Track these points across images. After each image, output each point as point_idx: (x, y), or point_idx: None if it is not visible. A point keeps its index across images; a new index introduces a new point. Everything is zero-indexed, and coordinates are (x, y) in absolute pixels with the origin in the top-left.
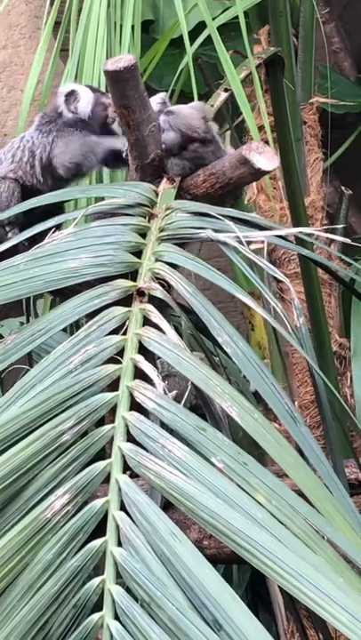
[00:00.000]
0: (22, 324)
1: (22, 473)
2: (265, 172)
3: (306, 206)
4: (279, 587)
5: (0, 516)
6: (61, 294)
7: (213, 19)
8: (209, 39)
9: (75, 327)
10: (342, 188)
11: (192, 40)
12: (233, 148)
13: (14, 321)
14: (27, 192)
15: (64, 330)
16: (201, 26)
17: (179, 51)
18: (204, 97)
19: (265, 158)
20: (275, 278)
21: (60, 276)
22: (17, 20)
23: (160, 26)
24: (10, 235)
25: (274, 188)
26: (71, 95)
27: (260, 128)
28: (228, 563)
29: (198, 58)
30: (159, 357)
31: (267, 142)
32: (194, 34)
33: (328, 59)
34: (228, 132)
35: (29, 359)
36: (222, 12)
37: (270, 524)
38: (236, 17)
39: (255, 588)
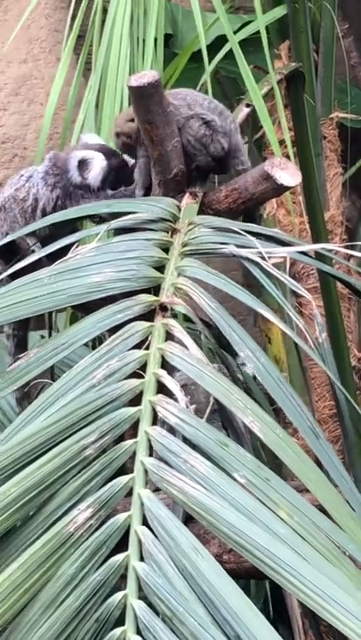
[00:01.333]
0: (43, 337)
1: (45, 487)
2: (287, 188)
3: (325, 221)
4: (298, 600)
5: (23, 529)
6: (84, 309)
7: (234, 33)
8: (228, 53)
9: (97, 341)
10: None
11: (211, 54)
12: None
13: (34, 334)
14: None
15: (85, 344)
16: (220, 40)
17: (197, 65)
18: None
19: (288, 174)
20: (294, 293)
21: (83, 291)
22: (37, 34)
23: (179, 40)
24: (33, 248)
25: (293, 203)
26: (83, 163)
27: (281, 142)
28: (248, 577)
29: (217, 72)
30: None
31: (287, 157)
32: (213, 48)
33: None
34: (247, 146)
35: (52, 373)
36: (241, 27)
37: (292, 540)
38: (256, 32)
39: (273, 602)
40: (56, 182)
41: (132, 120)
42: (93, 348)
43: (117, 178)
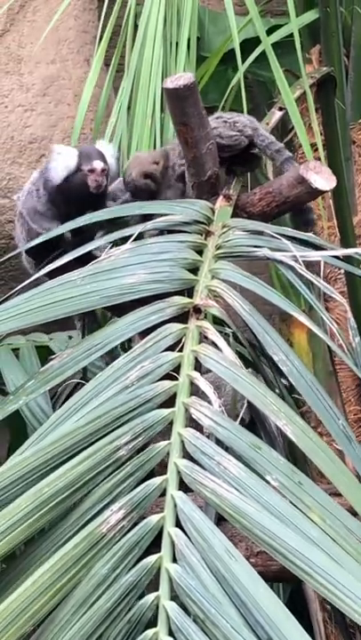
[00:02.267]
0: (70, 337)
1: (78, 487)
2: (322, 192)
3: (354, 225)
4: (320, 605)
5: (55, 529)
6: (117, 310)
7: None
8: (256, 58)
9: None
10: None
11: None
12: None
13: (63, 334)
14: None
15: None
16: (247, 44)
17: (225, 67)
18: (252, 114)
19: (322, 178)
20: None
21: (116, 292)
22: (65, 35)
23: (205, 42)
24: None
25: (323, 207)
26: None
27: (311, 146)
28: (275, 581)
29: (245, 76)
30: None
31: (318, 160)
32: (240, 52)
33: None
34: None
35: (84, 374)
36: (269, 31)
37: (325, 543)
38: (286, 36)
39: (293, 607)
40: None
41: (157, 163)
42: (124, 351)
43: (83, 188)
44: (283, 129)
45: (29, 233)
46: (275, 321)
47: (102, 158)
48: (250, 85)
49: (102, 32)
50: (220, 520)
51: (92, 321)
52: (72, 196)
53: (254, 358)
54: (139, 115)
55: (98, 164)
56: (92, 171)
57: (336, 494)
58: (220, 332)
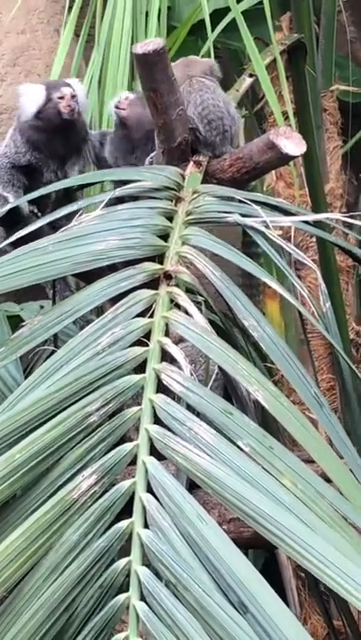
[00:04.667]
0: (42, 307)
1: (49, 454)
2: (292, 157)
3: (325, 193)
4: (293, 572)
5: (27, 496)
6: (87, 278)
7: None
8: (226, 27)
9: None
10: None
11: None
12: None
13: (34, 304)
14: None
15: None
16: (216, 14)
17: (195, 37)
18: (222, 83)
19: (292, 143)
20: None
21: (87, 259)
22: (35, 5)
23: (176, 12)
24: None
25: (295, 175)
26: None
27: (282, 115)
28: (247, 547)
29: (216, 46)
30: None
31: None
32: (210, 22)
33: (345, 48)
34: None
35: (55, 341)
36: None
37: (296, 508)
38: (257, 3)
39: (268, 575)
40: (13, 132)
41: None
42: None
43: (57, 117)
44: (253, 97)
45: None
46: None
47: (69, 85)
48: (220, 55)
49: (72, 2)
50: (192, 487)
51: (63, 289)
52: (48, 129)
53: (226, 326)
54: (109, 85)
55: (66, 90)
56: (61, 97)
57: (309, 461)
58: (193, 301)
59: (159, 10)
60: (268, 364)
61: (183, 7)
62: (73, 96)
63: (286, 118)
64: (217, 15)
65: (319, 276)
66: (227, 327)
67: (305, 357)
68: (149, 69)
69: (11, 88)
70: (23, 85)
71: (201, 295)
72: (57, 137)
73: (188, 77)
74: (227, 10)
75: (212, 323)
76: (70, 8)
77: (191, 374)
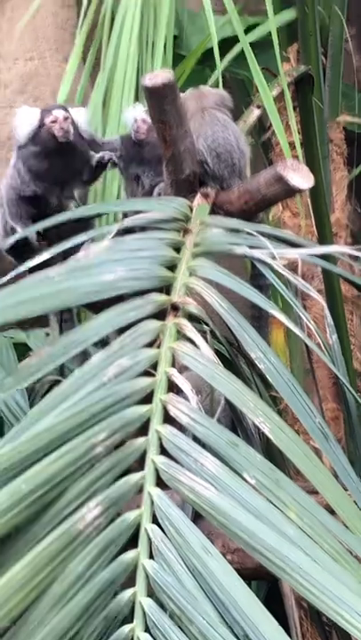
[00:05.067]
0: (48, 334)
1: (55, 484)
2: (300, 190)
3: (331, 223)
4: (296, 603)
5: (32, 526)
6: (95, 308)
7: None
8: (234, 56)
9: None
10: None
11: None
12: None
13: (40, 332)
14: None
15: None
16: (224, 43)
17: (203, 66)
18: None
19: (300, 176)
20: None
21: (94, 289)
22: (44, 32)
23: (184, 41)
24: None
25: (300, 205)
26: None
27: (289, 145)
28: (251, 578)
29: (223, 75)
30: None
31: (296, 158)
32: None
33: (350, 77)
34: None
35: (61, 370)
36: (247, 30)
37: (301, 541)
38: (265, 34)
39: (270, 605)
40: (16, 162)
41: None
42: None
43: (52, 142)
44: (260, 127)
45: (5, 228)
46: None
47: (63, 108)
48: (228, 84)
49: (80, 24)
50: (197, 517)
51: (67, 319)
52: (46, 153)
53: (232, 356)
54: (113, 111)
55: (59, 112)
56: (54, 121)
57: (313, 492)
58: (198, 330)
59: (165, 39)
60: (274, 393)
61: (190, 36)
62: (66, 118)
63: (293, 148)
64: (225, 44)
65: (326, 308)
66: (232, 356)
67: (310, 386)
68: (158, 101)
69: None
70: (19, 109)
71: (207, 324)
72: (57, 162)
73: (201, 109)
74: (235, 38)
75: (216, 351)
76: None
77: (198, 405)
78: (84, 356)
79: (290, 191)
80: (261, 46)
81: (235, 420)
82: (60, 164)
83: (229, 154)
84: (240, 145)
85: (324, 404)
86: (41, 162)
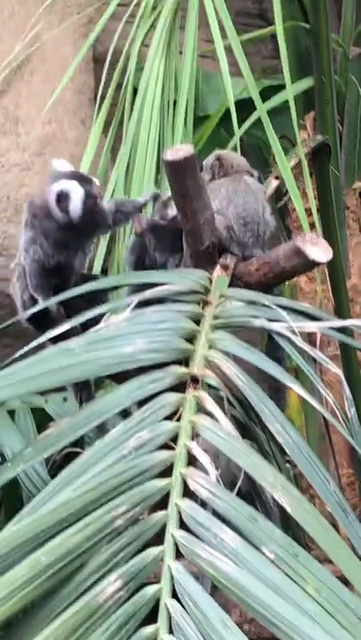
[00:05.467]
0: (65, 399)
1: (75, 557)
2: (318, 264)
3: (347, 289)
4: None
5: (52, 599)
6: (115, 378)
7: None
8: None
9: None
10: None
11: (229, 117)
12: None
13: (57, 396)
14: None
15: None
16: (241, 104)
17: (218, 127)
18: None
19: (319, 250)
20: (313, 359)
21: (115, 361)
22: (62, 96)
23: (199, 102)
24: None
25: (317, 271)
26: (61, 195)
27: (305, 211)
28: None
29: (241, 138)
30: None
31: (312, 225)
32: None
33: None
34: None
35: (82, 442)
36: (263, 91)
37: (320, 616)
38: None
39: None
40: (35, 236)
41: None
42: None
43: (93, 208)
44: (277, 193)
45: (23, 299)
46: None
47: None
48: (244, 147)
49: (102, 94)
50: (215, 585)
51: (83, 388)
52: (80, 225)
53: (249, 424)
54: (136, 183)
55: (96, 180)
56: (94, 195)
57: (328, 561)
58: (216, 397)
59: (186, 102)
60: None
61: (207, 96)
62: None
63: (310, 215)
64: (242, 106)
65: (344, 381)
66: (248, 425)
67: (326, 451)
68: (179, 175)
69: (37, 177)
70: (61, 183)
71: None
72: (81, 230)
73: (234, 174)
74: (251, 99)
75: (233, 417)
76: (97, 99)
77: (217, 479)
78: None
79: (309, 264)
80: (278, 111)
81: (253, 493)
82: (84, 232)
83: (257, 225)
84: (266, 215)
85: (339, 470)
86: (73, 233)
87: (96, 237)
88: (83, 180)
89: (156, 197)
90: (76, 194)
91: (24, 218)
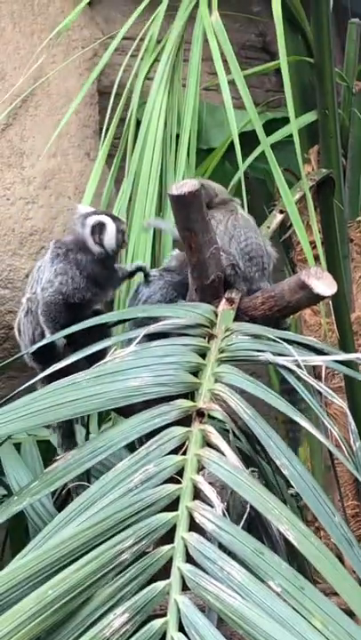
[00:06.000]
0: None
1: (81, 590)
2: (323, 297)
3: (351, 322)
4: None
5: (58, 633)
6: (121, 411)
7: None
8: (251, 151)
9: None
10: None
11: (234, 150)
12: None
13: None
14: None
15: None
16: (244, 135)
17: (222, 160)
18: (250, 211)
19: (323, 284)
20: (318, 392)
21: (121, 395)
22: (66, 129)
23: (203, 134)
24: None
25: (321, 304)
26: (97, 227)
27: (310, 244)
28: None
29: (245, 171)
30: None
31: (316, 258)
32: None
33: None
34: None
35: (87, 475)
36: (267, 124)
37: None
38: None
39: None
40: (67, 268)
41: None
42: (131, 450)
43: (122, 244)
44: (281, 225)
45: (34, 335)
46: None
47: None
48: (248, 181)
49: (106, 127)
50: (221, 619)
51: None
52: (105, 259)
53: (254, 457)
54: (137, 217)
55: (124, 219)
56: (123, 231)
57: (334, 593)
58: (221, 429)
59: (190, 134)
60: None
61: (210, 128)
62: None
63: (314, 247)
64: (244, 136)
65: (349, 415)
66: (253, 457)
67: (331, 482)
68: (185, 210)
69: (42, 210)
70: (96, 217)
71: (233, 431)
72: (111, 267)
73: (231, 210)
74: (255, 132)
75: (239, 448)
76: (101, 131)
77: (223, 513)
78: None
79: (313, 298)
80: (281, 144)
81: (259, 526)
82: (113, 270)
83: (261, 258)
84: (268, 249)
85: (344, 501)
86: (105, 269)
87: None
88: (113, 217)
89: (141, 269)
90: (111, 226)
91: (51, 253)
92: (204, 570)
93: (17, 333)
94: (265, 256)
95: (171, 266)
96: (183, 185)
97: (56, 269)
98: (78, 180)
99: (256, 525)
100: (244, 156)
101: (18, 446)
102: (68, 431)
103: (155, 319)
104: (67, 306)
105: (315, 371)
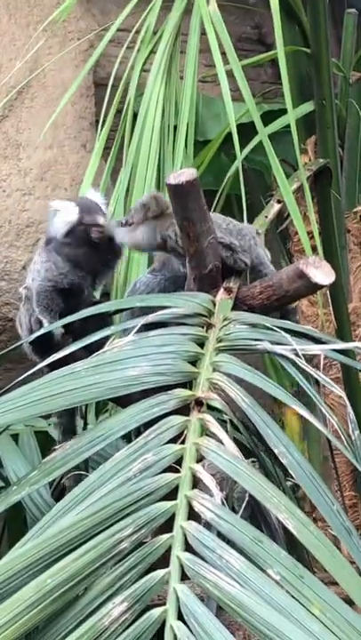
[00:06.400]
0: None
1: (80, 580)
2: (321, 286)
3: (348, 312)
4: None
5: (57, 622)
6: (119, 401)
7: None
8: (249, 142)
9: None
10: None
11: (231, 142)
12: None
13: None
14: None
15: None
16: (241, 127)
17: (218, 151)
18: (247, 202)
19: (321, 272)
20: (316, 381)
21: (120, 384)
22: (62, 121)
23: (199, 126)
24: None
25: (319, 294)
26: (52, 212)
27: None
28: None
29: (242, 162)
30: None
31: (314, 249)
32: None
33: None
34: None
35: (86, 465)
36: (264, 116)
37: (325, 637)
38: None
39: None
40: (49, 255)
41: None
42: (128, 441)
43: (87, 238)
44: (278, 216)
45: (30, 324)
46: (267, 400)
47: (102, 212)
48: (245, 172)
49: (103, 120)
50: (220, 607)
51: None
52: (79, 246)
53: (252, 446)
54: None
55: (100, 219)
56: (94, 225)
57: (333, 583)
58: (219, 420)
59: (187, 127)
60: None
61: (206, 120)
62: (104, 224)
63: (311, 238)
64: (242, 128)
65: (348, 405)
66: (252, 447)
67: (329, 473)
68: (182, 199)
69: (38, 202)
70: (56, 202)
71: (231, 421)
72: (91, 252)
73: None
74: (252, 123)
75: (236, 439)
76: (98, 123)
77: (222, 502)
78: None
79: (312, 287)
80: (278, 135)
81: (258, 515)
82: (95, 254)
83: (247, 229)
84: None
85: (342, 491)
86: (78, 250)
87: (111, 268)
88: (87, 208)
89: None
90: (65, 214)
91: (40, 244)
92: (203, 558)
93: (18, 327)
94: (247, 228)
95: (156, 267)
96: (181, 174)
97: (42, 258)
98: (75, 172)
99: (255, 514)
100: (241, 147)
101: (16, 437)
102: (68, 427)
103: (152, 309)
104: (59, 293)
105: (313, 362)
